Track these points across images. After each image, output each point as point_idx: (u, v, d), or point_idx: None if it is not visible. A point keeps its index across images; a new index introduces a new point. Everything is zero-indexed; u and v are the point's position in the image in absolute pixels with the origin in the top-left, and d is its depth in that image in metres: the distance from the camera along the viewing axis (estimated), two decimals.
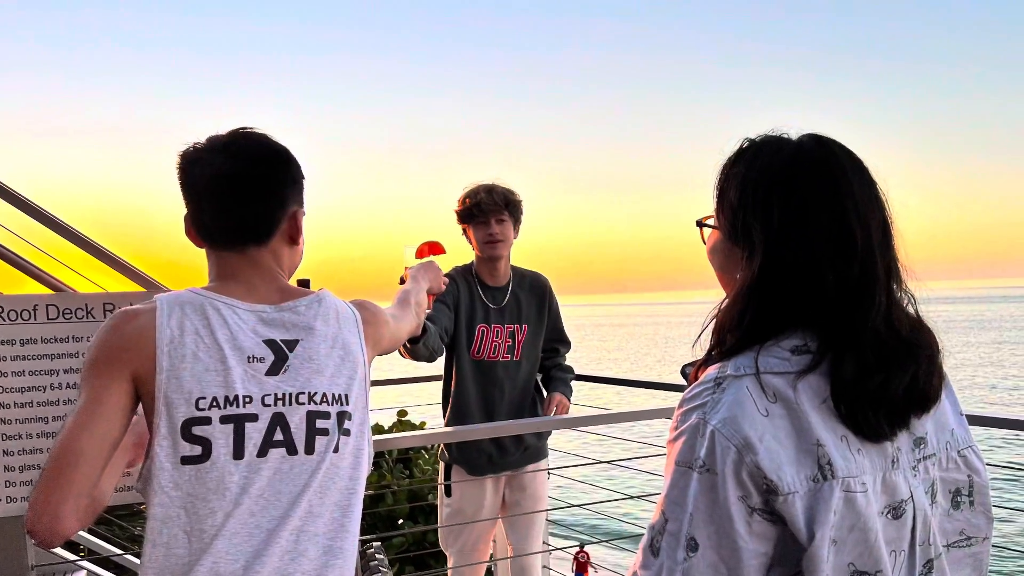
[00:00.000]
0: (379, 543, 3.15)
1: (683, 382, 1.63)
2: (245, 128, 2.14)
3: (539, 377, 4.70)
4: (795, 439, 1.39)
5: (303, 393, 2.01)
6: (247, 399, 1.95)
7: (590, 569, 4.72)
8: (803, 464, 1.38)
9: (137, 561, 2.80)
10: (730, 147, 1.64)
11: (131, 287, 4.79)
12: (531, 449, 4.50)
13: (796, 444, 1.39)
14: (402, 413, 8.44)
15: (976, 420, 3.15)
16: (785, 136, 1.60)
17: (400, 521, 6.88)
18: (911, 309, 1.56)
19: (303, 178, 2.20)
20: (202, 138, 2.11)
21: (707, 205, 1.68)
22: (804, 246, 1.48)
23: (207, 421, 1.91)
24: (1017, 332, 62.07)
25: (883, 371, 1.44)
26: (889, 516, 1.45)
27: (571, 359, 4.83)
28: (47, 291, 5.17)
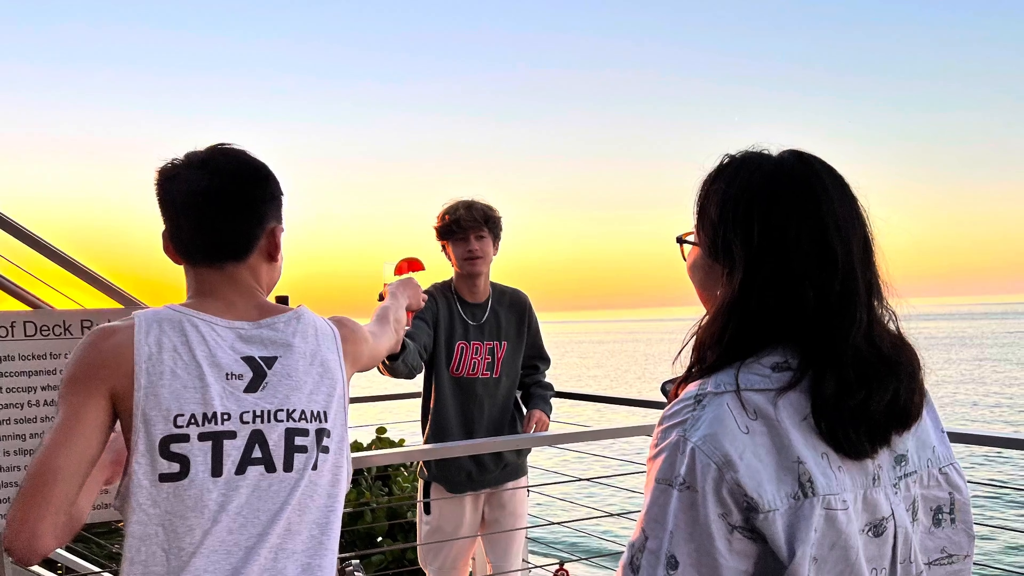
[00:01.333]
0: (358, 561, 3.14)
1: (663, 399, 1.63)
2: (224, 144, 2.14)
3: (519, 394, 4.70)
4: (776, 456, 1.39)
5: (281, 410, 2.01)
6: (225, 416, 1.94)
7: None
8: (784, 481, 1.38)
9: None
10: (710, 163, 1.63)
11: (109, 304, 4.78)
12: (511, 466, 4.49)
13: (777, 461, 1.39)
14: (381, 430, 8.43)
15: (958, 437, 3.16)
16: (766, 152, 1.59)
17: (379, 539, 6.87)
18: (892, 326, 1.56)
19: (282, 194, 2.20)
20: (180, 154, 2.11)
21: (687, 222, 1.68)
22: (784, 262, 1.48)
23: (185, 438, 1.90)
24: (998, 349, 62.32)
25: (864, 388, 1.44)
26: (870, 534, 1.45)
27: (551, 376, 4.84)
28: (24, 308, 5.15)
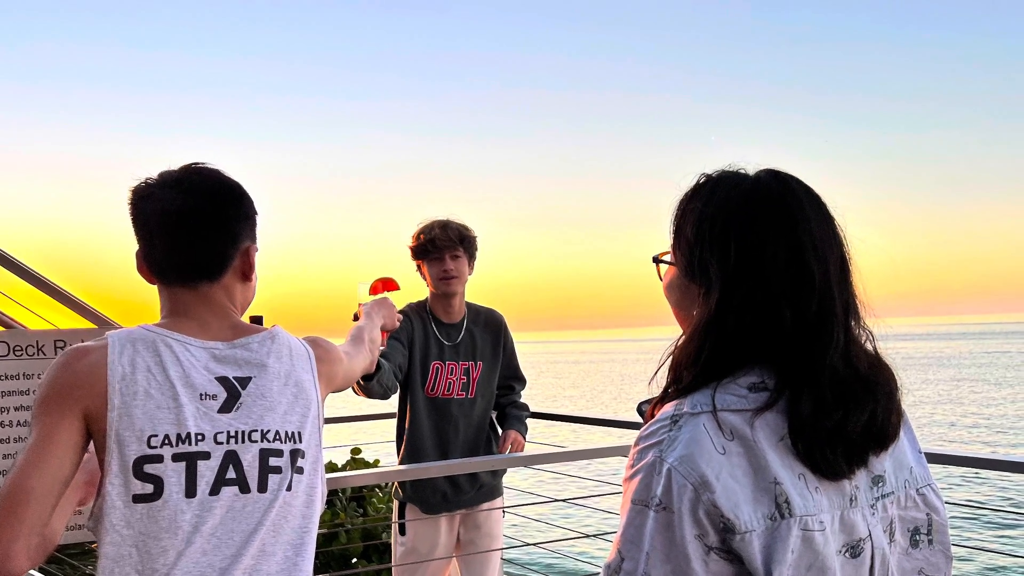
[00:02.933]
0: None
1: (639, 420, 1.62)
2: (198, 164, 2.14)
3: (494, 414, 4.71)
4: (752, 477, 1.40)
5: (256, 431, 2.00)
6: (199, 437, 1.94)
7: None
8: (760, 502, 1.38)
9: None
10: (687, 183, 1.63)
11: (82, 324, 4.76)
12: (486, 487, 4.49)
13: (753, 482, 1.39)
14: (356, 451, 8.42)
15: (935, 458, 3.18)
16: (742, 171, 1.60)
17: (354, 560, 6.84)
18: (869, 346, 1.56)
19: (256, 213, 2.19)
20: (154, 173, 2.10)
21: (663, 241, 1.68)
22: (761, 282, 1.48)
23: (159, 459, 1.89)
24: (976, 369, 62.40)
25: (841, 408, 1.45)
26: (847, 555, 1.45)
27: (526, 396, 4.84)
28: None
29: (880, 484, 1.54)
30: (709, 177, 1.62)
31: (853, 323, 1.54)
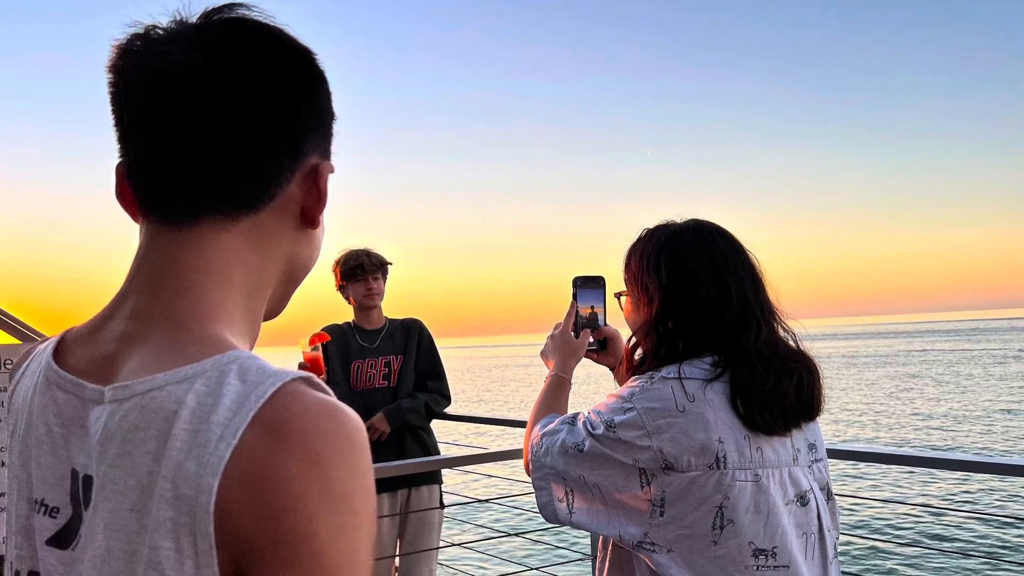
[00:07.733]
0: None
1: None
2: None
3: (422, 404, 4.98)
4: (702, 433, 1.77)
5: None
6: None
7: None
8: (704, 454, 1.76)
9: None
10: (632, 236, 2.12)
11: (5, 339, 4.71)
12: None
13: (702, 437, 1.77)
14: None
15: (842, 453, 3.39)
16: (672, 221, 2.06)
17: None
18: (792, 342, 1.98)
19: None
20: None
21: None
22: (689, 294, 1.93)
23: None
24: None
25: (772, 375, 1.84)
26: (798, 504, 1.83)
27: (457, 399, 5.10)
28: None
29: (814, 451, 1.93)
30: (647, 229, 2.07)
31: (774, 323, 1.97)
